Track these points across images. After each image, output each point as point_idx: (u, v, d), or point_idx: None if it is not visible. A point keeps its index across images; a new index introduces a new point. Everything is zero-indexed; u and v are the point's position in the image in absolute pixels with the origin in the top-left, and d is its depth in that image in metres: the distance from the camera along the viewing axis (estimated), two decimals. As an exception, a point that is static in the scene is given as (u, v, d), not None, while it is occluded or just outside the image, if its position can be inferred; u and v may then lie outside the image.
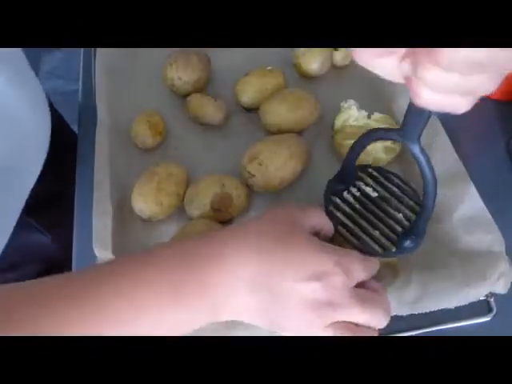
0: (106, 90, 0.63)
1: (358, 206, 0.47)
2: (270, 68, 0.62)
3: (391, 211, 0.46)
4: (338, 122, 0.59)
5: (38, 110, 0.60)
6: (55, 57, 1.77)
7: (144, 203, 0.51)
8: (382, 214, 0.46)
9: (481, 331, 0.46)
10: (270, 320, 0.39)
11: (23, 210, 0.58)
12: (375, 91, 0.64)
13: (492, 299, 0.47)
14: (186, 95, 0.63)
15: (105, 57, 0.66)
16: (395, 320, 0.45)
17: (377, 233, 0.45)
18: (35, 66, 1.75)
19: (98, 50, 0.67)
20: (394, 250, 0.44)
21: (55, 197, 0.67)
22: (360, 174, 0.50)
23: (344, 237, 0.45)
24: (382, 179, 0.49)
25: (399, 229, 0.45)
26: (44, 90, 0.64)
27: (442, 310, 0.46)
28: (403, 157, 0.58)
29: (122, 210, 0.53)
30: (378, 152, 0.56)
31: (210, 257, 0.38)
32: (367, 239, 0.45)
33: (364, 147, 0.45)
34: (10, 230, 0.56)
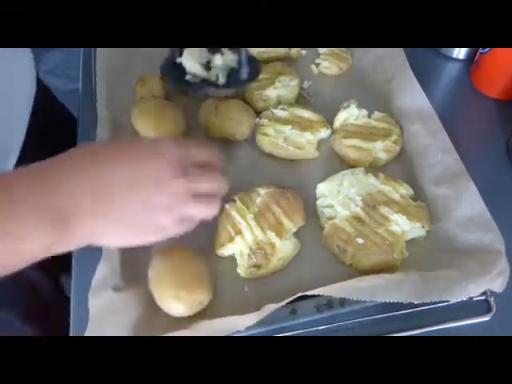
0: (106, 90, 0.63)
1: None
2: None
3: None
4: (338, 121, 0.59)
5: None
6: (55, 57, 1.77)
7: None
8: None
9: (480, 331, 0.46)
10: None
11: None
12: (375, 91, 0.64)
13: (492, 299, 0.47)
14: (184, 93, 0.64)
15: (105, 57, 0.66)
16: (395, 320, 0.45)
17: None
18: (35, 65, 1.75)
19: (98, 49, 0.67)
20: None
21: None
22: None
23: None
24: None
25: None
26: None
27: (441, 309, 0.46)
28: (402, 157, 0.58)
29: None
30: (377, 152, 0.56)
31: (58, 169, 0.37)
32: None
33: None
34: None
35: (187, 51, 0.54)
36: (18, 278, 0.70)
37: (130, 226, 0.40)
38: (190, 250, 0.48)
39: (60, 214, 0.36)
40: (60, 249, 0.37)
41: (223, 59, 0.54)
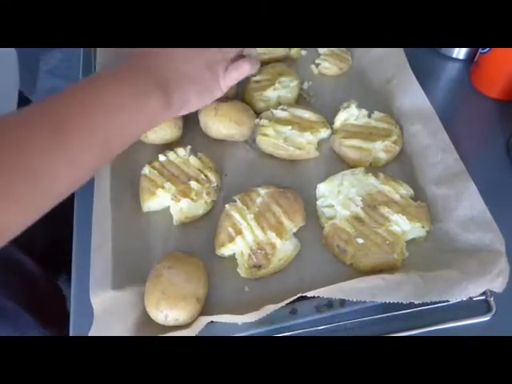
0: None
1: None
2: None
3: None
4: (338, 121, 0.59)
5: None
6: (55, 57, 1.77)
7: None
8: None
9: (480, 331, 0.46)
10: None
11: None
12: (375, 91, 0.64)
13: (492, 299, 0.47)
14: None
15: (105, 57, 0.66)
16: (395, 320, 0.45)
17: None
18: (35, 65, 1.75)
19: (98, 49, 0.67)
20: None
21: None
22: None
23: None
24: None
25: None
26: (44, 89, 0.64)
27: (441, 309, 0.46)
28: (402, 157, 0.58)
29: (121, 207, 0.53)
30: (377, 152, 0.56)
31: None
32: None
33: None
34: None
35: None
36: (16, 269, 0.70)
37: (201, 83, 0.50)
38: (199, 260, 0.47)
39: (162, 82, 0.46)
40: (166, 113, 0.47)
41: None
